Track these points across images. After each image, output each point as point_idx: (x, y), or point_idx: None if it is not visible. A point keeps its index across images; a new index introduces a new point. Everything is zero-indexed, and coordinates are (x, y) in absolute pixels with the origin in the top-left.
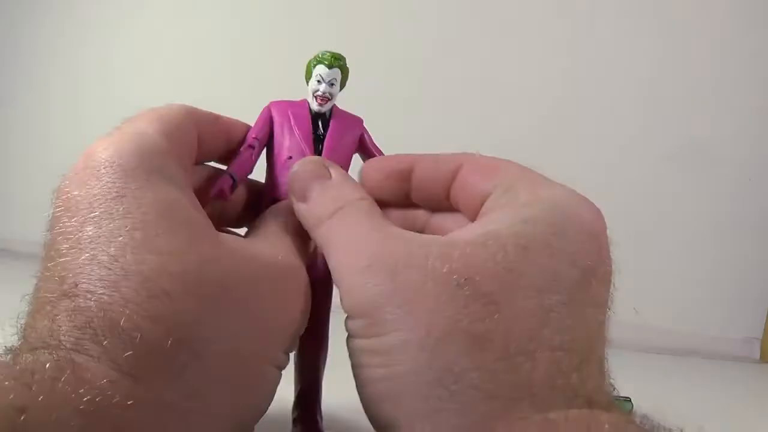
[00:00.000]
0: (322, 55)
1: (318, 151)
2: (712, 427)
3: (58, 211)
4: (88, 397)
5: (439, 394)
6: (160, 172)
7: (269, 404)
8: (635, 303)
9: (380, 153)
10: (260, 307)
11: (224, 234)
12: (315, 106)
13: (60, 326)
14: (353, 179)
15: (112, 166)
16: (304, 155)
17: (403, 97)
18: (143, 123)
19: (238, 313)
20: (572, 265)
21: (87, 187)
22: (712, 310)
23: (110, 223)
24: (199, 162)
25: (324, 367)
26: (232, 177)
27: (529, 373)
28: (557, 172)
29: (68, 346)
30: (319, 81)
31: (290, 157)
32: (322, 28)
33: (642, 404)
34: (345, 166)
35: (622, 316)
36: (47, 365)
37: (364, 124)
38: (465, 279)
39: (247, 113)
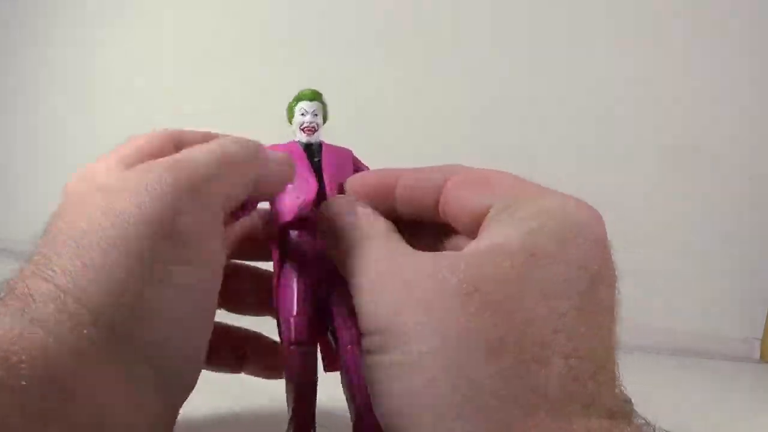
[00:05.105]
0: (301, 92)
1: (320, 179)
2: (712, 427)
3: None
4: None
5: (457, 401)
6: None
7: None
8: (636, 303)
9: None
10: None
11: None
12: (304, 137)
13: None
14: (377, 213)
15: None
16: (308, 183)
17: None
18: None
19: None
20: (580, 271)
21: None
22: (712, 310)
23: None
24: None
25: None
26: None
27: (543, 379)
28: (557, 173)
29: None
30: (303, 114)
31: (295, 191)
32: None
33: (642, 404)
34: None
35: (622, 316)
36: None
37: (354, 154)
38: (475, 288)
39: (250, 116)
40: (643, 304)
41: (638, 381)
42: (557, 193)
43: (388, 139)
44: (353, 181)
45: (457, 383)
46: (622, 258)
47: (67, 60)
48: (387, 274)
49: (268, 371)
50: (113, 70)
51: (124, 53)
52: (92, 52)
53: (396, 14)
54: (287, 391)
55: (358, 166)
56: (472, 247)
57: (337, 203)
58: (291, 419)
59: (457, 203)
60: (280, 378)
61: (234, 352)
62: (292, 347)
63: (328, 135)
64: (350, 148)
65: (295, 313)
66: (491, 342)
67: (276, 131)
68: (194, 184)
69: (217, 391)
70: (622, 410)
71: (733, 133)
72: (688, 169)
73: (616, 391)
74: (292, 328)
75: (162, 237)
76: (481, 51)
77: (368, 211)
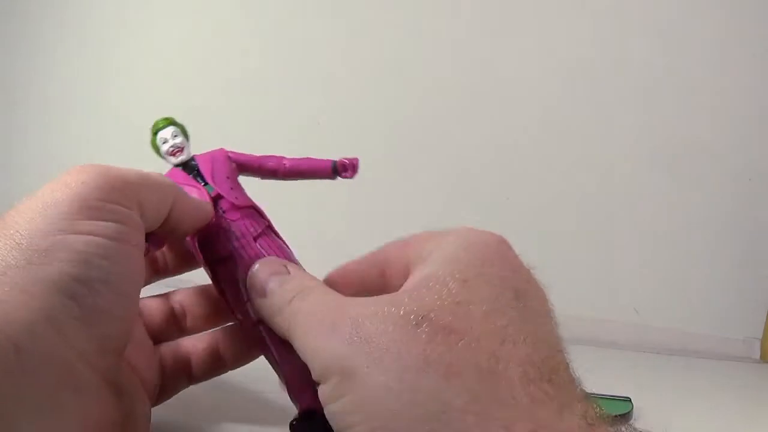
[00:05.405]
0: (154, 125)
1: (204, 183)
2: (712, 427)
3: None
4: None
5: (432, 427)
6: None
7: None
8: (635, 303)
9: (255, 159)
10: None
11: None
12: (176, 160)
13: None
14: (308, 273)
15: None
16: (199, 192)
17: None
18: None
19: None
20: (506, 287)
21: None
22: (712, 310)
23: None
24: None
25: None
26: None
27: (505, 389)
28: (557, 175)
29: None
30: (164, 142)
31: None
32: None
33: (642, 404)
34: (232, 183)
35: (622, 316)
36: None
37: (226, 149)
38: (421, 317)
39: (250, 116)
40: (643, 304)
41: (638, 381)
42: (461, 229)
43: (388, 139)
44: (333, 279)
45: (428, 409)
46: (622, 258)
47: (67, 60)
48: (330, 320)
49: (248, 354)
50: (113, 70)
51: (125, 53)
52: (92, 52)
53: (396, 14)
54: (279, 379)
55: (235, 158)
56: (408, 283)
57: (265, 266)
58: (292, 400)
59: (392, 269)
60: (257, 355)
61: (214, 356)
62: (260, 327)
63: (328, 135)
64: (222, 147)
65: (246, 299)
66: (448, 365)
67: (276, 131)
68: (118, 181)
69: (226, 376)
70: (593, 412)
71: (733, 133)
72: (687, 169)
73: (577, 391)
74: (249, 311)
75: (81, 203)
76: (482, 51)
77: (297, 268)
